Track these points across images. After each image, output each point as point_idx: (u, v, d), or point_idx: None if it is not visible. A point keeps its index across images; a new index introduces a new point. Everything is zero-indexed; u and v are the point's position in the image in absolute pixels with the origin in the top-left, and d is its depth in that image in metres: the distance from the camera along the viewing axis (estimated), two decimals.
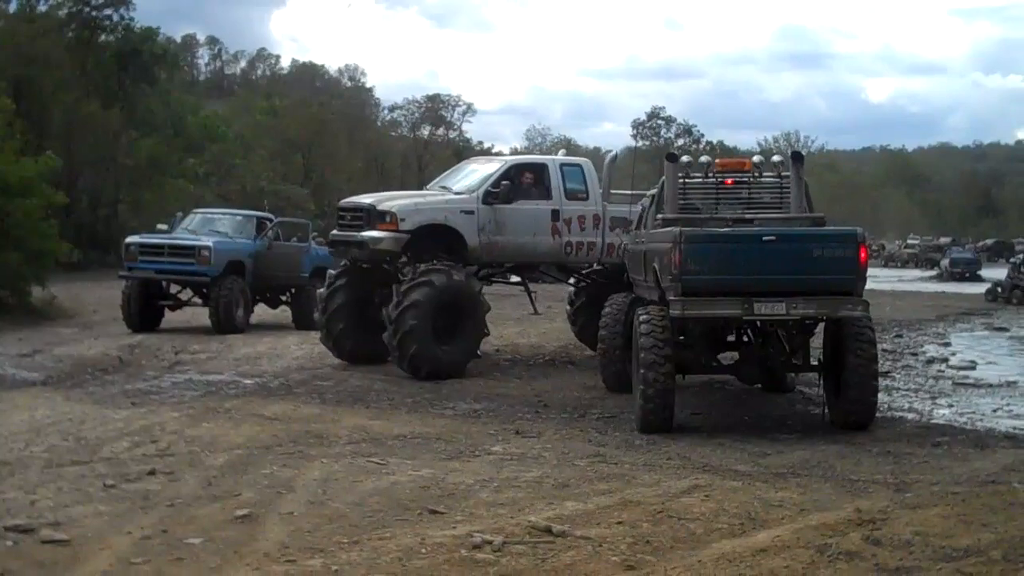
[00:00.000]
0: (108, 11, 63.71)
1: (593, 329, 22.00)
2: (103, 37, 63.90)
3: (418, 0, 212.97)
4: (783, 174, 16.54)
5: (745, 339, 15.94)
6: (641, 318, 14.35)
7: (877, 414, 14.81)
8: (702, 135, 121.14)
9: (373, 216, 18.77)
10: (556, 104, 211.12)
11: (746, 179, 16.76)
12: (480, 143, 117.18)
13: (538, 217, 19.86)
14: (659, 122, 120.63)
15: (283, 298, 29.32)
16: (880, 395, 15.06)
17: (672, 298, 13.83)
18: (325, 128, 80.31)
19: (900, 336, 29.45)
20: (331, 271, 20.91)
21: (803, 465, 12.14)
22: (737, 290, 13.71)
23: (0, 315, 28.02)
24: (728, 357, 16.58)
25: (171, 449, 12.36)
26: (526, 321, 27.11)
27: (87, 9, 63.21)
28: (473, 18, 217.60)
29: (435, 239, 18.99)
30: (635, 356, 14.53)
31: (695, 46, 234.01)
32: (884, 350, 19.24)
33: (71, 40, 62.53)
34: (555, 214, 19.96)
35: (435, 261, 18.67)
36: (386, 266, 19.38)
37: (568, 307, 23.71)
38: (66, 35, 62.69)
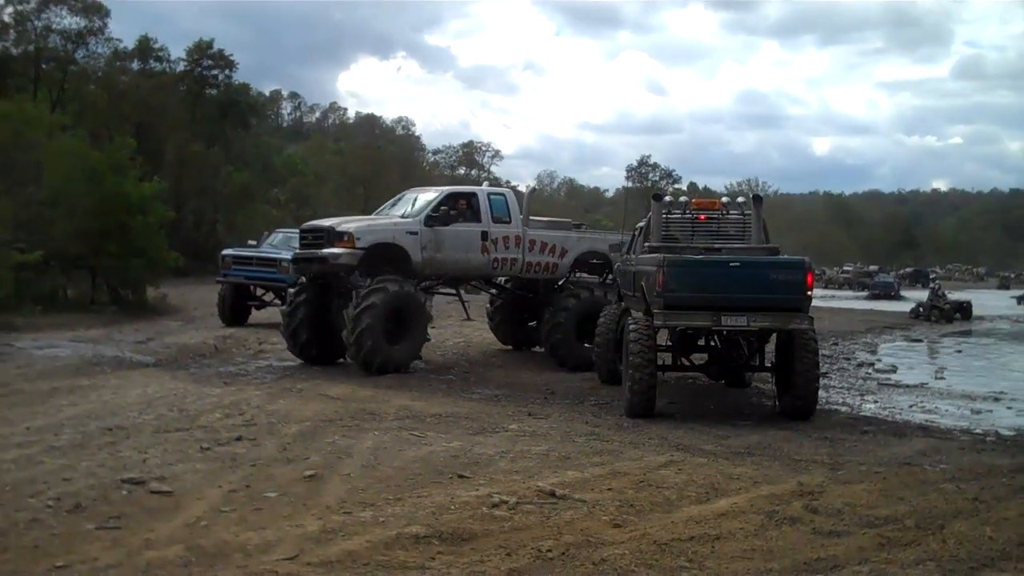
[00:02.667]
0: (215, 71, 64.04)
1: (506, 327, 23.08)
2: (208, 91, 64.19)
3: (453, 66, 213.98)
4: (746, 212, 16.52)
5: (713, 344, 15.92)
6: (630, 326, 14.34)
7: (817, 407, 14.74)
8: (680, 178, 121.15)
9: (332, 236, 18.10)
10: (563, 151, 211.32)
11: (716, 216, 16.75)
12: (508, 181, 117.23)
13: (471, 237, 19.35)
14: (647, 168, 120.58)
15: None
16: (819, 391, 14.97)
17: (656, 310, 13.84)
18: (382, 167, 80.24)
19: (836, 344, 29.30)
20: (291, 289, 19.79)
21: (757, 446, 12.10)
22: (708, 305, 13.70)
23: (121, 310, 28.14)
24: (698, 358, 16.55)
25: (254, 420, 12.37)
26: (468, 324, 26.21)
27: (198, 69, 63.52)
28: (497, 81, 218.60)
29: (384, 256, 18.37)
30: (624, 356, 14.50)
31: (674, 107, 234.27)
32: (823, 355, 19.10)
33: (183, 93, 62.78)
34: (484, 235, 19.48)
35: (386, 274, 18.17)
36: (342, 277, 18.57)
37: (488, 307, 23.57)
38: (179, 89, 62.95)
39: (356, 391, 15.31)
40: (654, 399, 14.05)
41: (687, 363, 16.17)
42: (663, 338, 15.58)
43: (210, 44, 64.01)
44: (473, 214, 19.44)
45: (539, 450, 11.13)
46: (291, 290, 19.68)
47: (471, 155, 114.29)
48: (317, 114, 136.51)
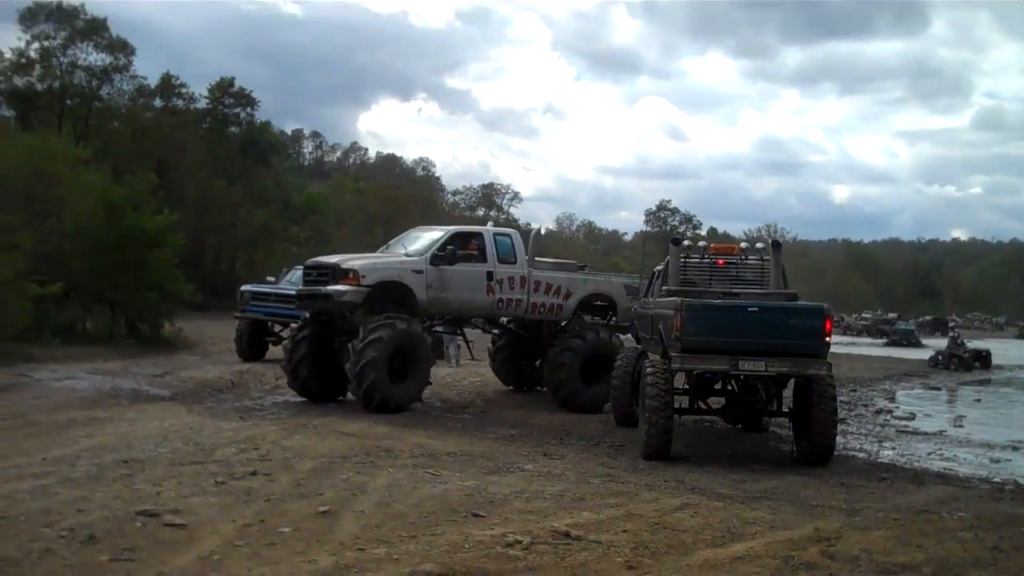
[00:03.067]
0: (237, 109, 64.63)
1: (508, 367, 22.74)
2: (231, 129, 64.76)
3: (474, 108, 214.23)
4: (765, 258, 16.52)
5: (730, 388, 15.87)
6: (648, 369, 14.28)
7: (834, 453, 14.64)
8: (700, 223, 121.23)
9: (338, 273, 17.93)
10: (581, 194, 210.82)
11: (735, 261, 16.75)
12: (527, 223, 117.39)
13: (476, 277, 19.17)
14: (666, 212, 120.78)
15: None
16: (837, 437, 14.88)
17: (673, 354, 13.79)
18: (401, 207, 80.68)
19: (854, 390, 29.16)
20: (293, 324, 19.76)
21: (773, 491, 12.02)
22: (726, 349, 13.64)
23: (139, 343, 28.31)
24: (715, 402, 16.49)
25: (269, 455, 12.36)
26: (484, 364, 25.65)
27: (220, 106, 64.12)
28: (517, 124, 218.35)
29: (389, 294, 18.19)
30: (641, 399, 14.46)
31: (693, 153, 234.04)
32: (841, 401, 19.04)
33: (205, 130, 63.36)
34: (490, 275, 19.32)
35: (392, 312, 17.98)
36: (347, 316, 18.50)
37: (490, 346, 23.28)
38: (201, 126, 63.52)
39: (371, 428, 15.30)
40: (670, 442, 13.98)
41: (704, 407, 16.09)
42: (680, 381, 15.54)
43: (231, 82, 64.70)
44: (479, 254, 19.39)
45: (554, 490, 11.08)
46: (294, 325, 19.59)
47: (490, 196, 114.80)
48: (338, 154, 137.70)
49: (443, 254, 18.81)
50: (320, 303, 18.39)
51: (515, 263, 19.82)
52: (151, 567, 7.40)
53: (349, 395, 18.47)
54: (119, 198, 29.67)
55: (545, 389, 21.27)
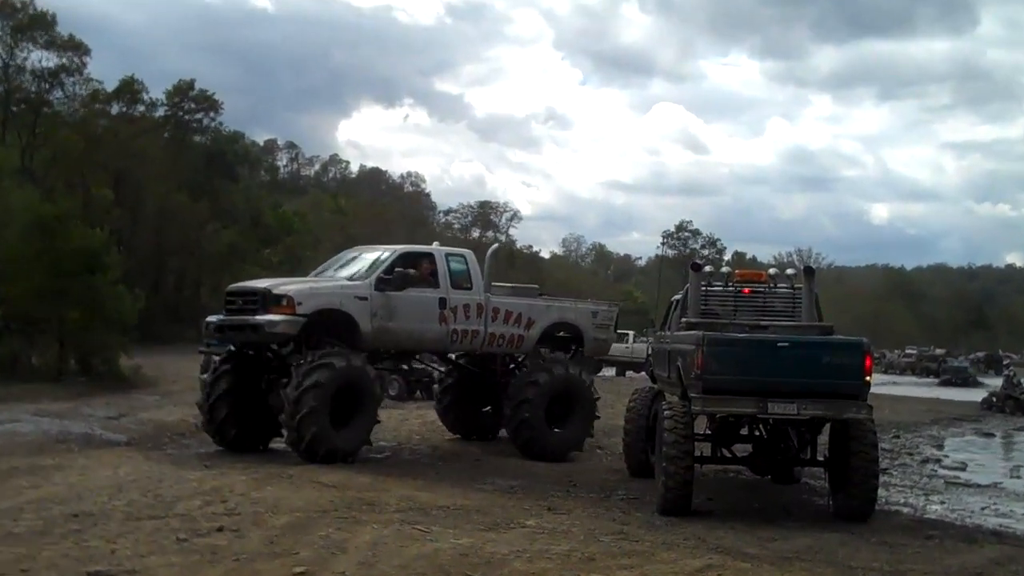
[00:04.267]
0: (199, 115, 64.89)
1: (457, 412, 21.75)
2: (196, 138, 65.01)
3: (467, 115, 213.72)
4: (796, 286, 16.54)
5: (758, 434, 15.87)
6: (665, 413, 14.28)
7: (875, 507, 14.64)
8: (724, 246, 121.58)
9: (268, 300, 17.15)
10: (589, 212, 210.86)
11: (762, 289, 16.77)
12: (530, 247, 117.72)
13: (427, 304, 18.54)
14: (686, 234, 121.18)
15: None
16: (879, 490, 14.88)
17: (694, 395, 13.80)
18: (386, 227, 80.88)
19: (898, 437, 29.15)
20: (215, 357, 18.89)
21: (807, 551, 12.01)
22: (752, 390, 13.64)
23: (91, 380, 28.31)
24: (741, 450, 16.49)
25: (238, 509, 12.34)
26: None
27: (181, 113, 64.40)
28: (515, 133, 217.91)
29: (328, 324, 17.52)
30: (658, 447, 14.47)
31: (714, 166, 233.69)
32: (883, 449, 19.05)
33: (166, 139, 63.59)
34: (442, 302, 18.71)
35: (330, 346, 17.36)
36: (275, 349, 18.11)
37: (436, 387, 22.72)
38: (162, 135, 63.75)
39: (353, 478, 15.27)
40: (691, 495, 13.98)
41: (728, 455, 16.10)
42: (701, 426, 15.54)
43: (191, 84, 64.91)
44: (430, 278, 18.87)
45: (560, 550, 11.06)
46: (214, 358, 18.71)
47: (487, 216, 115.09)
48: (316, 167, 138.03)
49: (390, 278, 18.16)
50: (247, 335, 17.70)
51: (471, 288, 19.30)
52: None
53: (276, 442, 18.14)
54: (49, 216, 29.65)
55: (493, 439, 21.11)
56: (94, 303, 29.18)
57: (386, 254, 18.96)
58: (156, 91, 64.65)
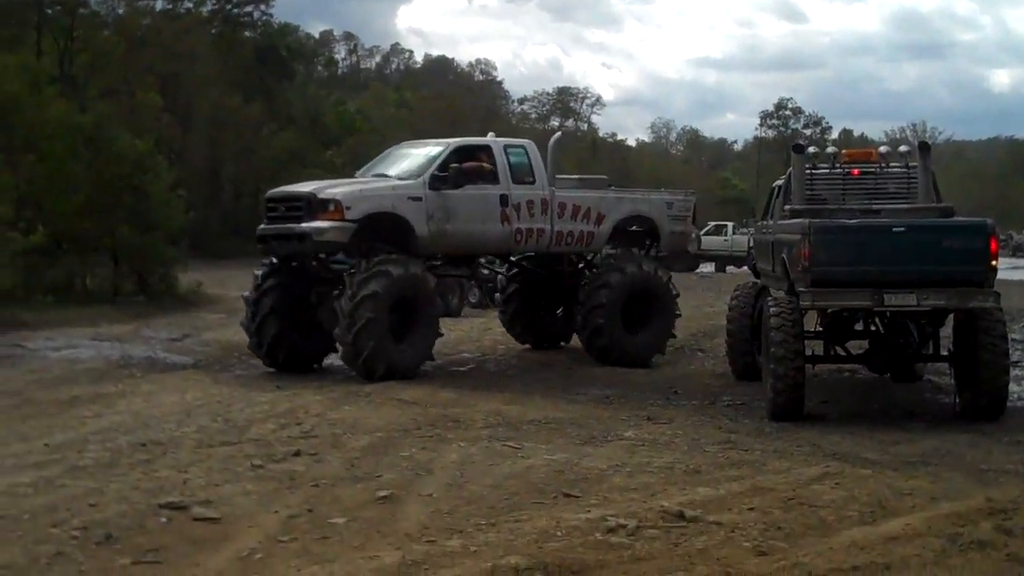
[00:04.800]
0: (248, 8, 64.76)
1: (524, 320, 21.38)
2: (245, 33, 64.91)
3: None
4: (910, 164, 16.24)
5: (874, 329, 15.73)
6: (772, 310, 14.15)
7: (1007, 404, 14.48)
8: (829, 125, 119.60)
9: (314, 205, 16.86)
10: (677, 95, 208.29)
11: (873, 169, 16.51)
12: (613, 135, 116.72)
13: (487, 203, 18.22)
14: (786, 113, 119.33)
15: None
16: (1010, 386, 14.71)
17: (802, 289, 13.68)
18: (458, 120, 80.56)
19: None
20: (256, 271, 18.42)
21: (933, 454, 11.94)
22: (867, 281, 13.50)
23: (150, 301, 28.60)
24: (857, 346, 16.38)
25: (315, 431, 12.54)
26: None
27: (229, 6, 64.29)
28: (593, 10, 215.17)
29: (380, 229, 17.30)
30: (765, 347, 14.40)
31: (814, 36, 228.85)
32: (1014, 339, 18.73)
33: (214, 37, 63.58)
34: (504, 199, 18.35)
35: (385, 253, 17.07)
36: (321, 259, 17.97)
37: (499, 294, 22.51)
38: (209, 32, 63.74)
39: (435, 393, 15.40)
40: (803, 398, 13.93)
41: (843, 353, 16.00)
42: (812, 323, 15.44)
43: None
44: (489, 174, 18.52)
45: (662, 462, 11.12)
46: (256, 271, 18.44)
47: (566, 103, 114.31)
48: (377, 58, 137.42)
49: (445, 175, 17.82)
50: (293, 245, 17.46)
51: (534, 183, 18.97)
52: (181, 570, 7.56)
53: (331, 360, 18.22)
54: (88, 125, 29.83)
55: (567, 344, 21.01)
56: (146, 214, 29.43)
57: (438, 149, 18.66)
58: None
